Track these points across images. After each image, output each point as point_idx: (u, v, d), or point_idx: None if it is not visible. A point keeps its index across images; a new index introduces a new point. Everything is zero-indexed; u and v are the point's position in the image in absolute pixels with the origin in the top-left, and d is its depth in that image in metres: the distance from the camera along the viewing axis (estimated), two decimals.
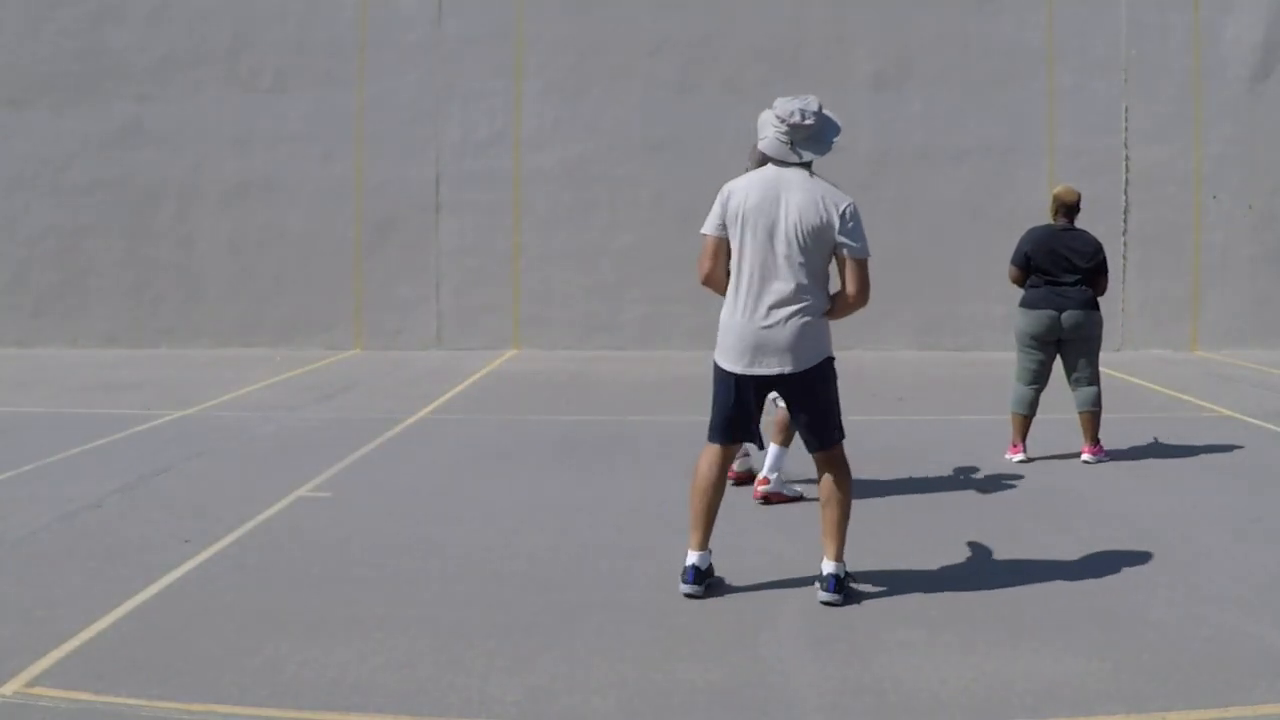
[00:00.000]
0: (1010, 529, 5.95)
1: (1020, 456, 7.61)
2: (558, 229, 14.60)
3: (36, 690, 3.84)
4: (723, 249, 4.78)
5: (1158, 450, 7.94)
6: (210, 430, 8.80)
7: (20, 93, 14.79)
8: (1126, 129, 14.26)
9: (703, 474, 4.87)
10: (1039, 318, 7.61)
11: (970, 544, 5.63)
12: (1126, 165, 14.26)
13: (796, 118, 4.63)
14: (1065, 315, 7.56)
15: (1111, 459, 7.60)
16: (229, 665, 4.07)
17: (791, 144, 4.68)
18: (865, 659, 4.13)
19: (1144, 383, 11.39)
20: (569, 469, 7.46)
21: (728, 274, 4.81)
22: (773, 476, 6.47)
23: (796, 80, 14.22)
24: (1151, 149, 14.21)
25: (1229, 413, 9.48)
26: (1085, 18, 14.24)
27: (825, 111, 4.74)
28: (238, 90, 14.67)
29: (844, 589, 4.76)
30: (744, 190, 4.73)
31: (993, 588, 4.95)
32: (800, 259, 4.62)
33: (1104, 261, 7.66)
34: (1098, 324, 7.69)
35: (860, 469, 7.44)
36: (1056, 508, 6.37)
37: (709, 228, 4.79)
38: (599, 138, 14.50)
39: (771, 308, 4.64)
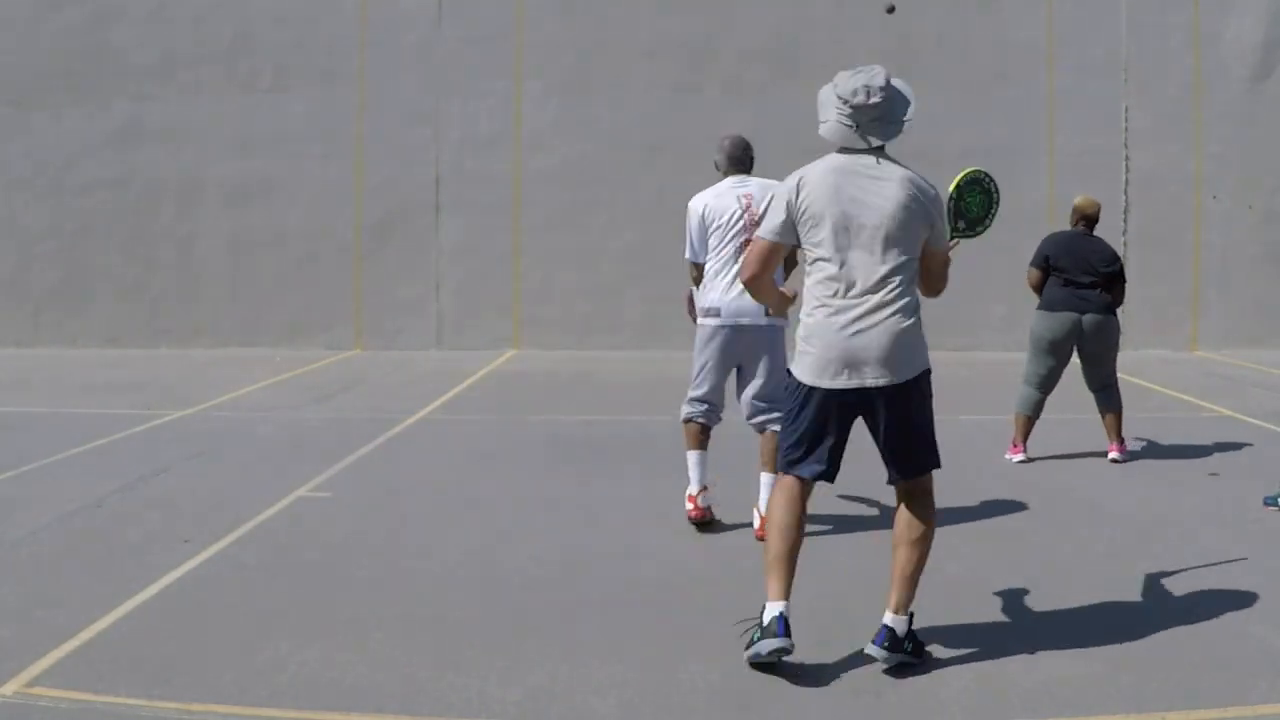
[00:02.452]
0: (1010, 529, 5.95)
1: (1020, 457, 7.60)
2: (558, 229, 14.59)
3: (36, 690, 3.84)
4: (780, 253, 4.24)
5: (1158, 450, 7.94)
6: (210, 430, 8.80)
7: (20, 93, 14.80)
8: (1126, 129, 14.25)
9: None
10: (1060, 320, 7.55)
11: (970, 544, 5.63)
12: (1126, 165, 14.26)
13: (860, 97, 4.03)
14: (1087, 319, 7.53)
15: (1110, 459, 7.60)
16: (229, 665, 4.07)
17: (857, 127, 4.08)
18: (865, 659, 4.12)
19: (1144, 383, 11.38)
20: (568, 469, 7.46)
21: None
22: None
23: (796, 80, 14.26)
24: (1151, 149, 14.21)
25: (1229, 413, 9.48)
26: (1085, 18, 14.24)
27: (894, 83, 4.15)
28: (238, 90, 14.67)
29: (899, 646, 3.99)
30: (812, 185, 4.07)
31: (993, 588, 4.95)
32: (890, 252, 4.03)
33: (1122, 270, 7.67)
34: (1116, 329, 7.71)
35: (859, 469, 7.47)
36: (1056, 508, 6.36)
37: (768, 232, 4.16)
38: (599, 138, 14.49)
39: (868, 311, 4.02)
